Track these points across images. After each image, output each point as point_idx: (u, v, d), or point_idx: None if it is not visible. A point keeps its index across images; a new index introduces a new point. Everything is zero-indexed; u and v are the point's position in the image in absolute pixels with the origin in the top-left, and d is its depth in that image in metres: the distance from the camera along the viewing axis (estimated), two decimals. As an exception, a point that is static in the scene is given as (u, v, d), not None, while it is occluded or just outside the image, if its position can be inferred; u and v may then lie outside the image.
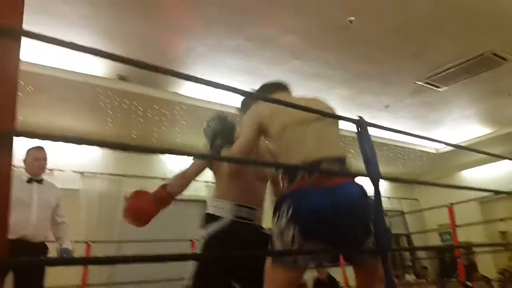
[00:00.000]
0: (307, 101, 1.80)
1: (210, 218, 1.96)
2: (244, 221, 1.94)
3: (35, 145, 3.43)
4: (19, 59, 0.82)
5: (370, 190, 1.49)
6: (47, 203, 3.40)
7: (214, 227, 1.91)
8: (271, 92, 2.01)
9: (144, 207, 2.02)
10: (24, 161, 3.40)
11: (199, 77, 1.12)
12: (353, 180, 1.60)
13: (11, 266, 0.74)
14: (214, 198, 2.06)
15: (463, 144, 7.34)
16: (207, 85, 1.41)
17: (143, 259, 0.90)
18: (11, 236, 2.36)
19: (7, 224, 0.74)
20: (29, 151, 3.43)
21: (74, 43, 0.90)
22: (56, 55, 4.17)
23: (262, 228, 2.05)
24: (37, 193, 3.28)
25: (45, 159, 3.46)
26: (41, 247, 3.28)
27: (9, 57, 0.81)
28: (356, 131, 1.53)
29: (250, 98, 2.09)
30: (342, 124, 6.21)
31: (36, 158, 3.38)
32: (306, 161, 1.58)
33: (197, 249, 1.92)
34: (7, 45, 0.80)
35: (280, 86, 2.07)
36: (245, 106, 2.11)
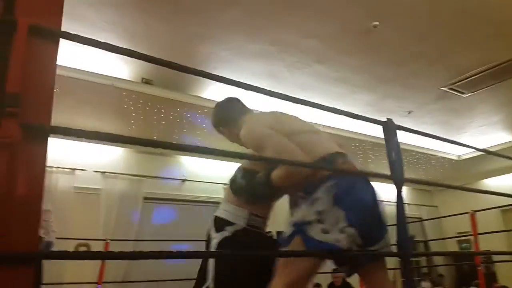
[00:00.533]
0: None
1: (223, 223, 1.93)
2: (255, 229, 1.94)
3: None
4: (56, 59, 0.85)
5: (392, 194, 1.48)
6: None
7: (228, 231, 1.89)
8: (244, 111, 2.05)
9: None
10: None
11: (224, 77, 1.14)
12: None
13: (42, 258, 0.75)
14: (230, 203, 1.99)
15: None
16: (233, 85, 1.43)
17: (161, 256, 0.90)
18: None
19: (39, 220, 0.75)
20: None
21: (109, 44, 0.94)
22: (83, 58, 4.26)
23: (268, 232, 2.09)
24: None
25: None
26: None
27: (49, 57, 0.84)
28: (383, 133, 1.51)
29: (233, 111, 2.07)
30: (362, 129, 6.11)
31: None
32: (329, 153, 1.66)
33: (213, 248, 1.90)
34: (47, 46, 0.83)
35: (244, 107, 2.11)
36: (228, 119, 2.07)
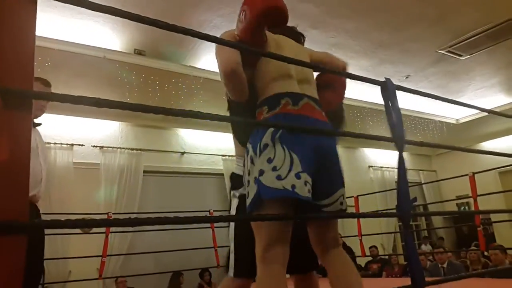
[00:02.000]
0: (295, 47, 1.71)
1: (240, 180, 1.78)
2: None
3: (39, 77, 2.54)
4: (35, 20, 0.79)
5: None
6: (45, 154, 2.73)
7: (243, 189, 1.74)
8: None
9: None
10: None
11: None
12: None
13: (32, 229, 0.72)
14: (240, 156, 1.80)
15: (486, 114, 7.20)
16: (229, 46, 1.39)
17: (166, 221, 0.90)
18: None
19: (27, 188, 0.73)
20: None
21: (94, 3, 0.88)
22: (73, 30, 4.17)
23: None
24: (38, 140, 2.58)
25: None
26: (37, 211, 2.52)
27: (26, 17, 0.78)
28: (381, 94, 1.46)
29: None
30: (359, 95, 6.05)
31: None
32: (290, 91, 1.47)
33: (233, 210, 1.82)
34: (23, 4, 0.77)
35: None
36: None
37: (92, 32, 4.25)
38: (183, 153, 6.77)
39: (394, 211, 1.36)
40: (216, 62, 1.47)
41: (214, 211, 5.44)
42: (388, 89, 1.43)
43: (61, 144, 5.72)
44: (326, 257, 1.47)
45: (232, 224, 1.83)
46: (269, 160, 1.34)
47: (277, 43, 1.62)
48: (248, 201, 1.40)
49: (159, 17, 4.01)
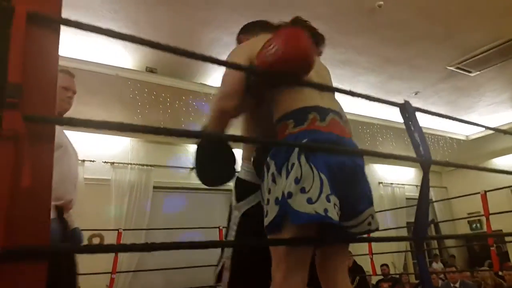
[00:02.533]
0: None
1: (246, 187, 1.63)
2: None
3: (63, 68, 2.25)
4: (58, 48, 0.82)
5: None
6: (76, 154, 2.46)
7: (250, 200, 1.60)
8: (255, 32, 1.75)
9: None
10: None
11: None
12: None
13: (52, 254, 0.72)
14: (247, 160, 1.64)
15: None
16: (237, 69, 1.41)
17: (174, 246, 0.88)
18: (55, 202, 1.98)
19: (49, 213, 0.74)
20: None
21: (112, 30, 0.89)
22: (86, 48, 4.26)
23: None
24: (69, 139, 2.29)
25: (74, 91, 2.36)
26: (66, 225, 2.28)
27: (50, 46, 0.81)
28: (401, 116, 1.43)
29: None
30: (367, 112, 6.04)
31: (66, 87, 2.27)
32: (316, 105, 1.37)
33: (233, 225, 1.65)
34: (47, 34, 0.80)
35: (264, 26, 1.77)
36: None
37: (105, 50, 4.35)
38: (192, 168, 6.78)
39: (405, 228, 1.35)
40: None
41: (223, 227, 5.43)
42: (408, 111, 1.41)
43: (73, 160, 5.77)
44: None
45: (231, 237, 1.65)
46: (296, 181, 1.23)
47: None
48: (267, 221, 1.30)
49: (171, 35, 4.12)
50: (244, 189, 1.62)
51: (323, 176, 1.23)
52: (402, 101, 1.46)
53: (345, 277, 1.42)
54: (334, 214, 1.21)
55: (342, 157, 1.33)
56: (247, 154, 1.63)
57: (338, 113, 1.45)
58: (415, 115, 1.42)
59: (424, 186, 1.33)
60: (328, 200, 1.21)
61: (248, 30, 1.85)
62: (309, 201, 1.20)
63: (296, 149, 1.27)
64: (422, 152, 1.38)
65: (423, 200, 1.32)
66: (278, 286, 1.27)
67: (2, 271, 0.65)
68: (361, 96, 1.23)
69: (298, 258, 1.27)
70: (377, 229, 1.43)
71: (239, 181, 1.67)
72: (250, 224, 1.57)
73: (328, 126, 1.34)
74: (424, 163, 1.35)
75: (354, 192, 1.36)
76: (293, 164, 1.25)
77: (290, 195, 1.22)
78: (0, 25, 0.74)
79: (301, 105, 1.36)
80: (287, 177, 1.25)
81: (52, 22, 0.82)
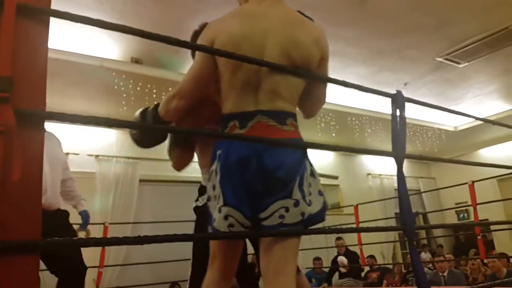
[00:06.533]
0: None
1: (203, 190, 1.78)
2: None
3: None
4: (48, 41, 0.82)
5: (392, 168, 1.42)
6: (58, 158, 2.73)
7: (203, 198, 1.79)
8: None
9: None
10: None
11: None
12: (297, 137, 1.33)
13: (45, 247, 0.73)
14: (202, 167, 1.89)
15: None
16: (228, 57, 1.35)
17: (158, 240, 0.92)
18: None
19: (40, 207, 0.74)
20: None
21: (102, 21, 0.88)
22: (69, 39, 4.13)
23: None
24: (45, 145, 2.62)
25: None
26: (62, 215, 2.67)
27: (40, 38, 0.81)
28: (391, 106, 1.43)
29: None
30: (357, 103, 6.01)
31: None
32: (238, 111, 1.31)
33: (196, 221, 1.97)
34: (37, 26, 0.80)
35: None
36: None
37: (89, 40, 4.22)
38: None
39: (394, 219, 1.35)
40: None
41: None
42: (398, 101, 1.40)
43: (57, 153, 5.65)
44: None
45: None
46: (213, 188, 1.33)
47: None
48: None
49: (157, 26, 4.00)
50: (201, 191, 1.90)
51: (219, 189, 1.28)
52: (391, 92, 1.44)
53: (283, 273, 1.25)
54: (220, 224, 1.27)
55: (245, 151, 1.25)
56: (203, 162, 1.85)
57: (274, 112, 1.32)
58: (404, 106, 1.43)
59: (400, 181, 1.34)
60: (219, 211, 1.27)
61: None
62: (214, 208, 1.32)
63: (217, 155, 1.30)
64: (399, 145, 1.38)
65: (402, 194, 1.33)
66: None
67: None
68: (354, 87, 1.22)
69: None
70: (296, 224, 1.25)
71: (202, 188, 1.93)
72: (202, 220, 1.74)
73: (247, 132, 1.29)
74: (398, 157, 1.34)
75: (267, 185, 1.25)
76: (212, 171, 1.33)
77: (209, 199, 1.35)
78: (-11, 17, 0.72)
79: (226, 112, 1.36)
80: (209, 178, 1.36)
81: (42, 13, 0.80)
